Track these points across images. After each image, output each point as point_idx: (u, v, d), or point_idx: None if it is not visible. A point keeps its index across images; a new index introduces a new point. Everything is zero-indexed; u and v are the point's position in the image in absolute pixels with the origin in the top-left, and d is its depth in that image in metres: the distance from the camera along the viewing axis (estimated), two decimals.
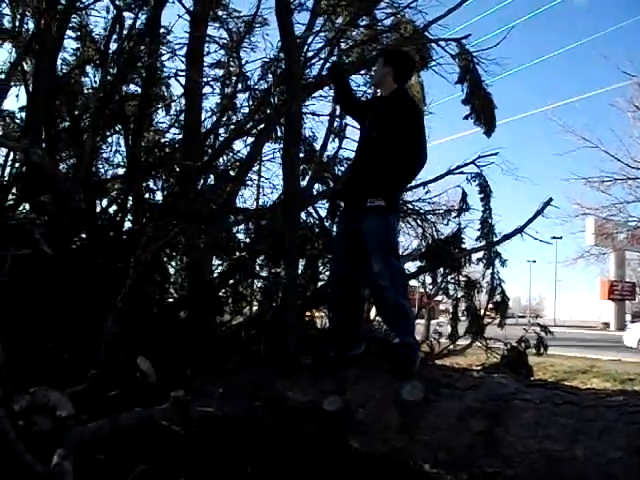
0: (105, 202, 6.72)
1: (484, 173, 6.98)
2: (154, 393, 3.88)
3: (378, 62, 4.77)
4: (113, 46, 6.89)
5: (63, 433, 2.83)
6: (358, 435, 3.68)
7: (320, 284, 6.34)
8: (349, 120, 7.30)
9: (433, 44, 7.39)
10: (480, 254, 6.93)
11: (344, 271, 4.48)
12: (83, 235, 5.72)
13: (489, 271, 6.83)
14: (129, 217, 6.60)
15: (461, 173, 7.18)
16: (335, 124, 7.58)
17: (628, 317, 55.72)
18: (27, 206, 5.81)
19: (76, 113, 7.27)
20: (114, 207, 6.65)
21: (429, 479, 3.37)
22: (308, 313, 6.31)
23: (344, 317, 4.52)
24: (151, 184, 6.97)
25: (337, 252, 4.74)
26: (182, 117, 7.18)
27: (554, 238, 37.22)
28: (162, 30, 7.07)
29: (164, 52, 7.17)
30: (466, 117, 7.69)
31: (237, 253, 6.48)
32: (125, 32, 6.89)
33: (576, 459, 3.06)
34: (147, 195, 6.91)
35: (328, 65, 6.32)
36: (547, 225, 8.76)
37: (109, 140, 7.42)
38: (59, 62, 7.22)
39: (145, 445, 3.63)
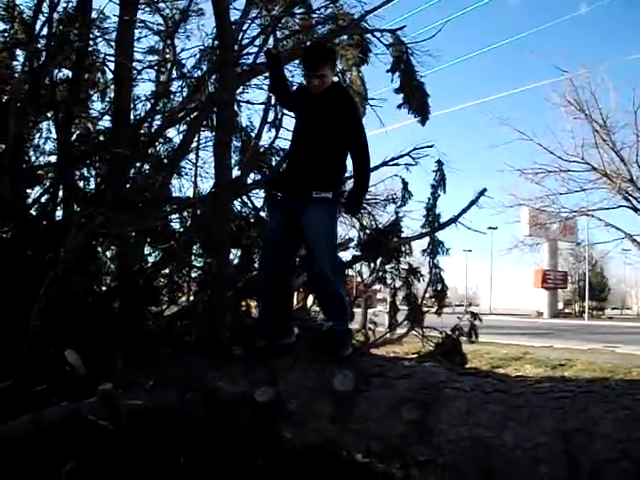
0: (37, 191, 6.54)
1: (420, 165, 7.05)
2: (84, 387, 3.79)
3: (325, 69, 4.39)
4: (42, 29, 6.67)
5: None
6: (290, 425, 3.66)
7: (254, 273, 6.29)
8: (285, 110, 7.26)
9: (369, 35, 7.41)
10: (424, 244, 6.98)
11: (278, 261, 4.44)
12: (9, 226, 5.56)
13: (429, 260, 6.88)
14: (60, 206, 6.42)
15: (396, 165, 7.22)
16: (270, 113, 7.52)
17: (560, 305, 57.36)
18: None
19: (4, 98, 7.03)
20: (46, 196, 6.48)
21: (362, 469, 3.36)
22: (244, 303, 6.24)
23: (276, 307, 4.51)
24: (85, 172, 6.81)
25: (272, 243, 4.58)
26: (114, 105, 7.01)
27: (490, 228, 38.08)
28: (95, 14, 6.90)
29: (96, 36, 6.99)
30: (399, 106, 7.74)
31: (171, 242, 6.37)
32: (55, 14, 6.66)
33: (505, 445, 3.11)
34: (82, 184, 6.75)
35: (264, 51, 6.03)
36: (483, 216, 8.89)
37: (39, 127, 7.21)
38: None
39: (73, 441, 3.55)
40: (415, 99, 7.59)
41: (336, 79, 4.91)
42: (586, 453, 2.94)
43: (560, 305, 58.84)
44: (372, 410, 3.48)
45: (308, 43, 5.71)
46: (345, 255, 6.95)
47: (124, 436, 3.52)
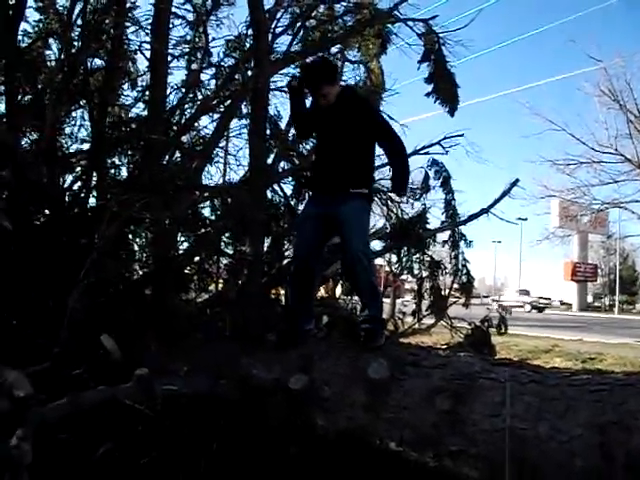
0: (70, 179, 6.60)
1: (450, 154, 7.04)
2: (119, 371, 3.83)
3: (325, 88, 4.46)
4: (77, 19, 6.72)
5: (23, 413, 2.76)
6: (323, 413, 3.69)
7: (285, 262, 6.31)
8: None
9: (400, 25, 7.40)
10: (446, 236, 6.97)
11: (309, 252, 4.57)
12: (46, 211, 5.62)
13: (454, 252, 6.87)
14: (94, 194, 6.48)
15: (426, 154, 7.20)
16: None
17: (589, 298, 56.78)
18: None
19: (39, 87, 7.10)
20: (79, 183, 6.53)
21: (394, 457, 3.37)
22: (274, 291, 6.28)
23: (303, 294, 4.67)
24: (116, 160, 6.86)
25: (305, 234, 4.69)
26: (148, 93, 7.05)
27: (520, 219, 37.79)
28: (128, 3, 6.93)
29: (129, 25, 7.02)
30: (428, 94, 7.71)
31: (202, 230, 6.41)
32: (90, 3, 6.71)
33: (539, 437, 3.10)
34: (112, 171, 6.80)
35: (286, 84, 5.81)
36: (513, 206, 8.82)
37: (73, 115, 7.27)
38: (20, 34, 7.02)
39: (110, 424, 3.59)
40: (445, 89, 7.56)
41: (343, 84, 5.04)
42: (622, 446, 2.92)
43: (590, 298, 58.23)
44: (406, 399, 3.48)
45: (307, 60, 5.60)
46: (375, 245, 6.98)
47: (159, 420, 3.56)
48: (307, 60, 4.60)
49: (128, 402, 3.46)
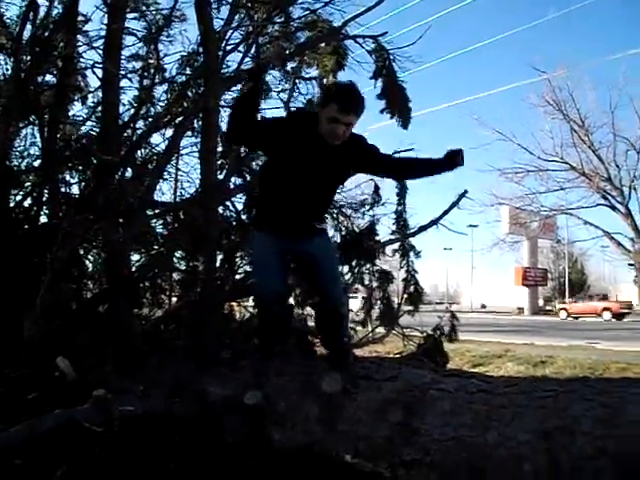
0: (19, 196, 6.54)
1: None
2: (76, 393, 3.83)
3: (356, 119, 3.75)
4: (27, 34, 6.67)
5: None
6: (280, 427, 3.73)
7: (238, 277, 6.35)
8: (267, 113, 7.34)
9: (351, 41, 7.50)
10: (396, 246, 7.07)
11: (281, 291, 4.16)
12: None
13: (404, 262, 6.97)
14: (44, 211, 6.43)
15: None
16: None
17: (540, 302, 57.75)
18: None
19: None
20: (29, 200, 6.48)
21: (350, 469, 3.43)
22: (228, 306, 6.30)
23: (278, 329, 4.29)
24: (68, 177, 6.82)
25: (271, 270, 4.04)
26: (99, 109, 7.03)
27: (470, 226, 38.35)
28: (80, 19, 6.91)
29: (81, 43, 7.00)
30: (382, 111, 7.81)
31: (155, 247, 6.41)
32: (40, 20, 6.67)
33: (488, 444, 3.20)
34: (63, 189, 6.75)
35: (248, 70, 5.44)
36: (464, 215, 8.99)
37: (23, 132, 7.21)
38: None
39: (67, 447, 3.58)
40: (397, 104, 7.68)
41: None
42: (566, 451, 3.03)
43: (540, 302, 59.21)
44: (359, 412, 3.56)
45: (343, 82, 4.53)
46: None
47: (117, 441, 3.57)
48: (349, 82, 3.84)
49: (86, 424, 3.47)
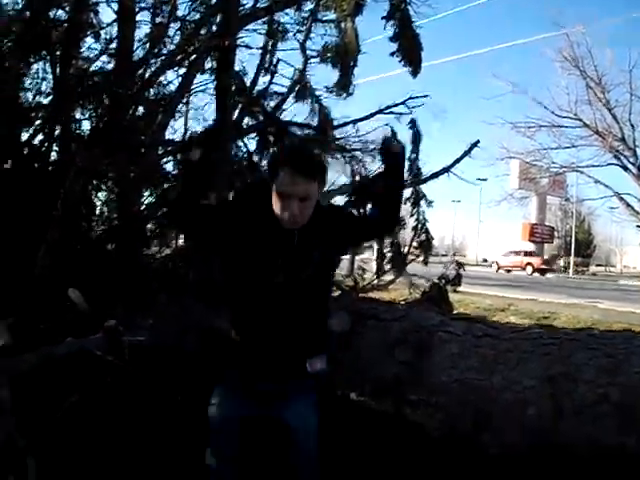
0: (29, 132, 6.50)
1: (414, 114, 7.10)
2: (86, 326, 3.87)
3: (312, 186, 2.57)
4: None
5: None
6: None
7: None
8: (281, 55, 7.27)
9: None
10: (407, 194, 7.05)
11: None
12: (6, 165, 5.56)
13: (415, 210, 6.96)
14: (56, 147, 6.41)
15: (391, 113, 7.26)
16: (267, 58, 7.53)
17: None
18: None
19: None
20: (40, 137, 6.45)
21: (356, 407, 3.48)
22: None
23: None
24: (79, 115, 6.78)
25: (226, 451, 2.76)
26: (112, 46, 6.95)
27: (480, 180, 38.12)
28: None
29: None
30: (392, 54, 7.67)
31: (166, 185, 6.40)
32: None
33: (494, 387, 3.24)
34: (75, 126, 6.71)
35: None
36: (473, 168, 8.95)
37: (34, 67, 7.15)
38: None
39: (78, 375, 3.64)
40: (408, 49, 7.54)
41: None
42: (569, 396, 3.08)
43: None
44: (367, 351, 3.59)
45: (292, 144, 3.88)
46: (338, 201, 7.05)
47: (127, 371, 3.62)
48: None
49: (97, 353, 3.51)
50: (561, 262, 58.26)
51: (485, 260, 60.35)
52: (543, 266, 46.50)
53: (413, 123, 6.94)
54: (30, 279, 3.96)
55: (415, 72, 7.67)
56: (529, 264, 46.89)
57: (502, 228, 61.31)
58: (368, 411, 3.48)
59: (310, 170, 2.57)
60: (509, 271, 46.98)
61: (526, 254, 49.79)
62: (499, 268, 49.01)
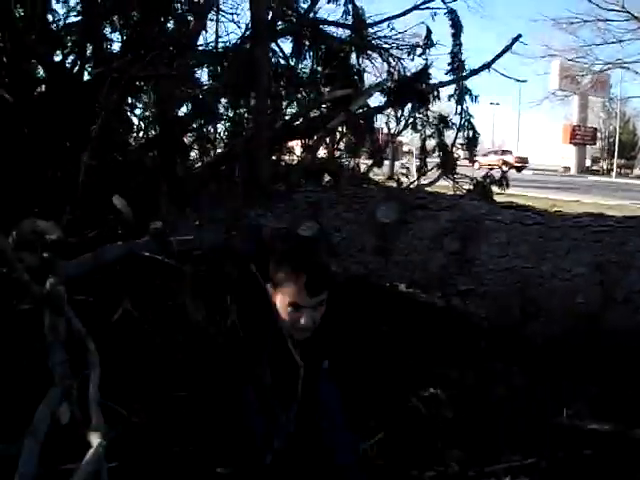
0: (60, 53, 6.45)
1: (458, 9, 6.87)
2: (132, 233, 3.90)
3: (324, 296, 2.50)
4: None
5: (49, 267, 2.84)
6: (334, 258, 3.73)
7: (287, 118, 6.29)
8: None
9: None
10: (451, 91, 6.89)
11: None
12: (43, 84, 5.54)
13: (459, 107, 6.81)
14: (88, 68, 6.35)
15: (427, 9, 7.05)
16: None
17: (588, 162, 56.77)
18: None
19: None
20: (71, 57, 6.39)
21: (404, 298, 3.50)
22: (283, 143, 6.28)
23: None
24: (108, 32, 6.67)
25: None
26: None
27: (518, 81, 37.20)
28: None
29: None
30: None
31: (200, 93, 6.33)
32: None
33: (543, 275, 3.23)
34: (106, 45, 6.63)
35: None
36: (513, 66, 8.70)
37: None
38: None
39: (129, 279, 3.70)
40: None
41: None
42: (619, 284, 3.05)
43: (588, 162, 58.18)
44: (415, 241, 3.58)
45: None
46: (376, 100, 6.94)
47: (176, 272, 3.66)
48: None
49: (146, 254, 3.55)
50: (604, 164, 57.28)
51: (525, 159, 59.49)
52: (517, 164, 46.79)
53: (452, 12, 6.72)
54: (75, 187, 3.97)
55: None
56: (504, 162, 47.40)
57: (542, 130, 60.03)
58: (416, 303, 3.49)
59: (325, 282, 2.50)
60: (492, 169, 48.00)
61: (503, 152, 51.71)
62: (480, 167, 49.66)
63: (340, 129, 6.48)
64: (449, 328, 3.47)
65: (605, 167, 57.78)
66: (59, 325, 2.21)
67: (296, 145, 6.99)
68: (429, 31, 6.95)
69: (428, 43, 6.90)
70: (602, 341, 3.10)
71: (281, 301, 2.46)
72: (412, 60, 7.13)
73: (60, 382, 2.05)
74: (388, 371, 4.33)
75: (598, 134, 58.23)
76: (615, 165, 52.59)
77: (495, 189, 6.74)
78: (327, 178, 5.84)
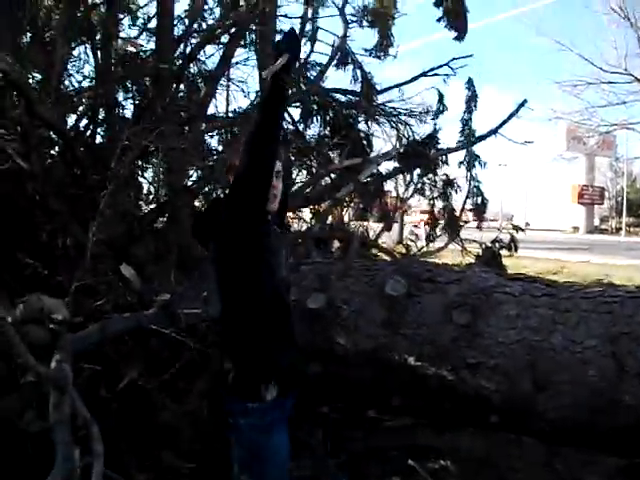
0: (74, 117, 6.56)
1: (458, 75, 7.01)
2: (138, 302, 3.90)
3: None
4: None
5: (56, 341, 2.83)
6: (343, 331, 3.72)
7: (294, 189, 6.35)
8: (320, 23, 7.19)
9: None
10: (460, 157, 6.96)
11: None
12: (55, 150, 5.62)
13: (467, 173, 6.87)
14: (101, 131, 6.45)
15: (435, 75, 7.17)
16: (307, 27, 7.48)
17: (596, 221, 56.75)
18: None
19: (39, 24, 7.00)
20: (84, 121, 6.50)
21: (414, 372, 3.46)
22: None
23: None
24: (121, 97, 6.81)
25: None
26: (150, 25, 6.97)
27: (526, 142, 37.56)
28: None
29: None
30: (439, 20, 7.57)
31: (211, 160, 6.41)
32: None
33: (554, 348, 3.18)
34: (119, 109, 6.76)
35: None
36: (520, 130, 8.79)
37: (75, 52, 7.21)
38: None
39: (135, 350, 3.69)
40: (454, 13, 7.42)
41: None
42: (633, 356, 3.01)
43: (597, 221, 58.16)
44: (424, 315, 3.55)
45: None
46: (385, 167, 7.00)
47: (184, 344, 3.64)
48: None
49: (154, 327, 3.54)
50: (613, 223, 57.23)
51: (527, 224, 59.44)
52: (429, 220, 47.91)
53: (470, 83, 6.83)
54: (82, 256, 3.98)
55: (461, 36, 7.56)
56: (422, 220, 48.36)
57: (550, 191, 60.12)
58: (426, 377, 3.45)
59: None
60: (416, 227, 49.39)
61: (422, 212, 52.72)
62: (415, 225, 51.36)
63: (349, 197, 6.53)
64: (459, 401, 3.42)
65: (614, 226, 57.72)
66: (64, 404, 2.20)
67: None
68: (441, 96, 7.06)
69: (441, 109, 7.01)
70: (617, 415, 3.05)
71: None
72: (421, 124, 7.24)
73: (63, 465, 2.03)
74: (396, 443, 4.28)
75: (606, 193, 58.41)
76: (624, 224, 52.57)
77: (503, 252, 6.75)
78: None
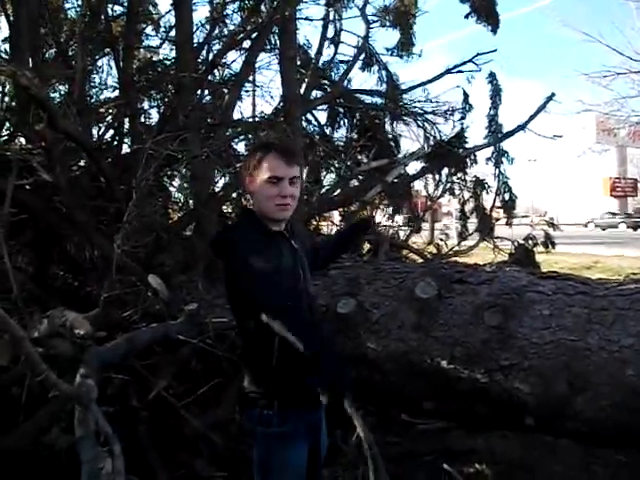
0: (101, 128, 6.63)
1: (483, 71, 6.95)
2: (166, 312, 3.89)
3: (297, 167, 2.63)
4: None
5: (83, 352, 2.82)
6: (374, 335, 3.67)
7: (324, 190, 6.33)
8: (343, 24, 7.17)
9: None
10: (487, 154, 6.89)
11: None
12: (82, 162, 5.67)
13: (495, 170, 6.79)
14: (126, 141, 6.50)
15: (460, 72, 7.11)
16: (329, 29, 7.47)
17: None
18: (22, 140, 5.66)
19: (62, 39, 7.08)
20: (110, 132, 6.56)
21: (446, 375, 3.41)
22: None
23: None
24: (146, 106, 6.87)
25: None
26: (171, 34, 7.01)
27: (555, 136, 37.13)
28: None
29: None
30: (467, 16, 7.50)
31: (238, 165, 6.41)
32: None
33: (589, 348, 3.11)
34: (143, 118, 6.82)
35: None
36: (548, 123, 8.68)
37: (98, 63, 7.30)
38: None
39: (164, 360, 3.69)
40: (483, 7, 7.34)
41: None
42: None
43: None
44: (455, 316, 3.48)
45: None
46: (413, 167, 6.95)
47: (212, 354, 3.63)
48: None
49: (181, 337, 3.53)
50: None
51: (552, 219, 58.88)
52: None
53: (492, 77, 6.76)
54: (109, 270, 3.99)
55: (494, 29, 7.48)
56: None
57: (582, 185, 59.38)
58: (459, 380, 3.39)
59: (294, 152, 2.75)
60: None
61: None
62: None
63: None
64: (492, 404, 3.36)
65: None
66: (88, 419, 2.18)
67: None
68: (466, 95, 6.99)
69: (466, 107, 6.94)
70: None
71: (260, 185, 2.51)
72: (447, 123, 7.18)
73: None
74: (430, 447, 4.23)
75: (639, 185, 57.59)
76: None
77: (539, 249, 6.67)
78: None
